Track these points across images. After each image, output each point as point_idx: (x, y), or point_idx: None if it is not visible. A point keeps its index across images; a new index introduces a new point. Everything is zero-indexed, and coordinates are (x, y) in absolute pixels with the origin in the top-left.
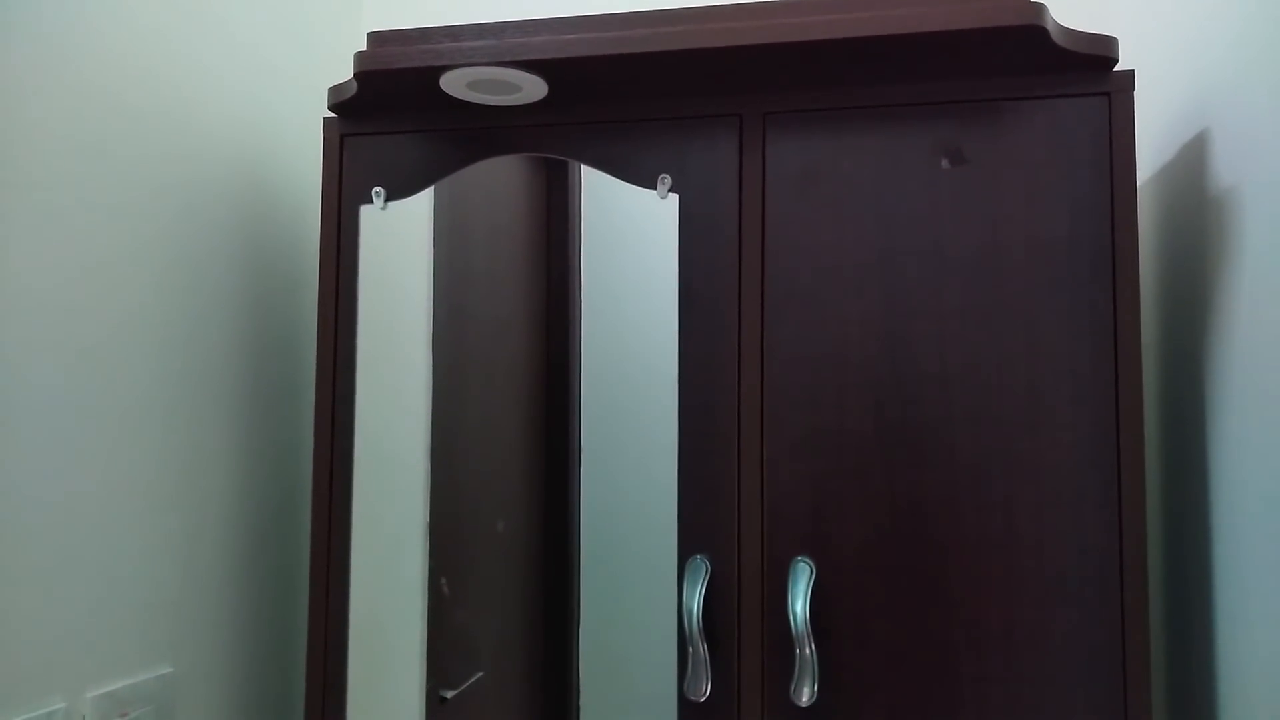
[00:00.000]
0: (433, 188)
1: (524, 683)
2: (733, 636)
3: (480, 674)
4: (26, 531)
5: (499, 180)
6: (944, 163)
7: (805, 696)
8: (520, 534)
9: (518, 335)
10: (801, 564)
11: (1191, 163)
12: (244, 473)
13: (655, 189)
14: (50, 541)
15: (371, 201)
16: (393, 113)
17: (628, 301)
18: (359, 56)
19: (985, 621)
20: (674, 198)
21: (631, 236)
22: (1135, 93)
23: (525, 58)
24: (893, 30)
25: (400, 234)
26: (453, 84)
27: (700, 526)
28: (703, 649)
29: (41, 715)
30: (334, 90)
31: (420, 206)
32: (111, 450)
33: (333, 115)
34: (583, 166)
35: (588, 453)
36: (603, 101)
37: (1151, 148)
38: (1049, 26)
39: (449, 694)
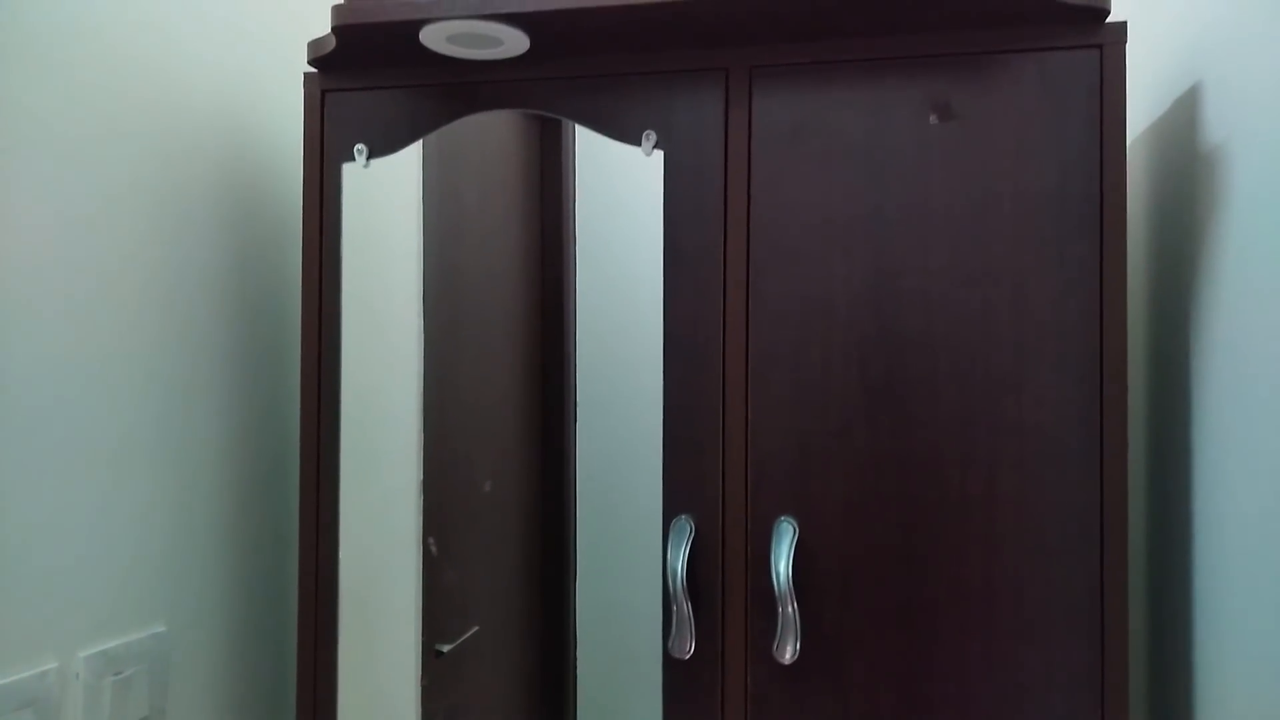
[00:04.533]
0: (421, 144)
1: (520, 639)
2: (716, 595)
3: (476, 628)
4: (17, 490)
5: (490, 136)
6: (932, 118)
7: (788, 654)
8: (515, 492)
9: (511, 293)
10: (785, 524)
11: (1184, 117)
12: (235, 430)
13: (640, 145)
14: (42, 500)
15: (354, 159)
16: (374, 67)
17: (622, 258)
18: (336, 10)
19: (966, 579)
20: (659, 154)
21: (626, 192)
22: (1128, 45)
23: (506, 10)
24: None
25: (388, 191)
26: (433, 38)
27: (685, 486)
28: (687, 608)
29: (34, 675)
30: (313, 45)
31: (409, 164)
32: (101, 409)
33: (313, 70)
34: (576, 124)
35: (583, 411)
36: (586, 55)
37: (1144, 102)
38: None
39: (445, 648)
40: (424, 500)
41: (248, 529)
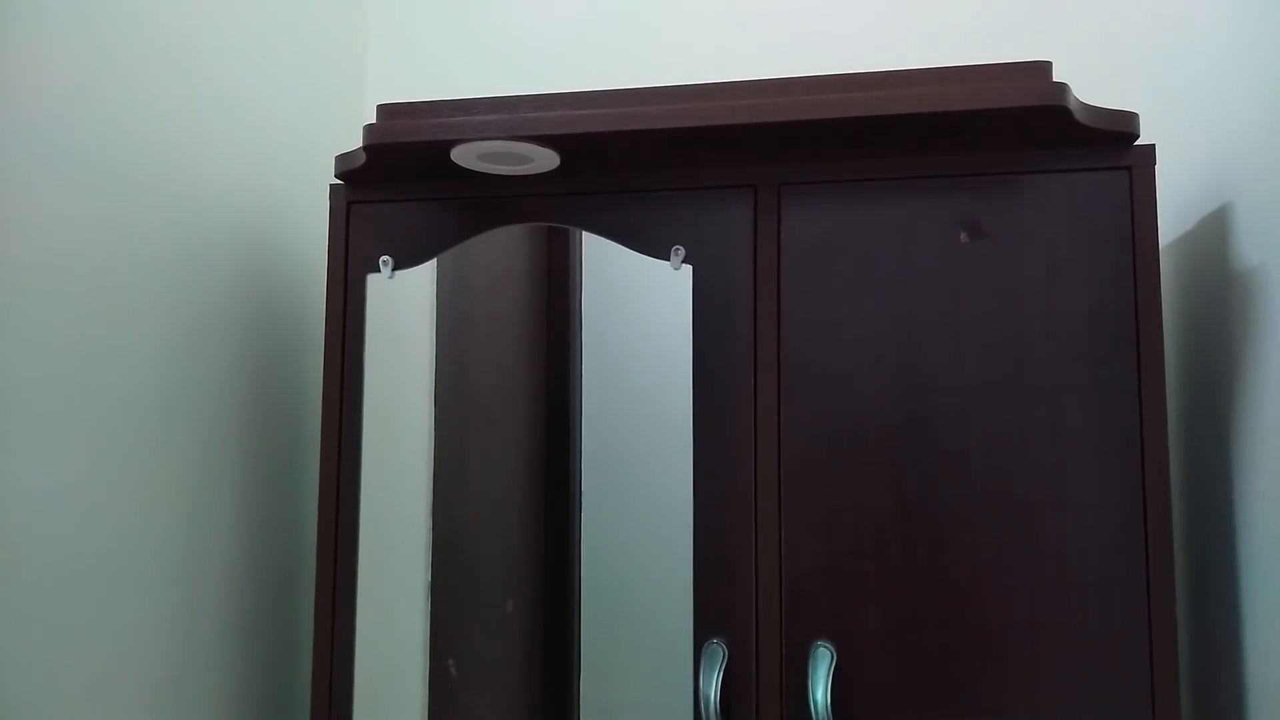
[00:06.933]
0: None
1: None
2: None
3: None
4: (25, 615)
5: (501, 244)
6: (962, 236)
7: None
8: (522, 606)
9: (520, 403)
10: (822, 649)
11: (1212, 235)
12: (246, 545)
13: (669, 260)
14: (48, 623)
15: (379, 270)
16: (401, 181)
17: (630, 369)
18: (368, 130)
19: (1012, 708)
20: (687, 269)
21: (633, 303)
22: (1157, 166)
23: (539, 132)
24: (912, 110)
25: (404, 302)
26: (464, 155)
27: (716, 609)
28: None
29: None
30: (341, 159)
31: (423, 274)
32: (110, 524)
33: (339, 182)
34: (583, 233)
35: (590, 523)
36: (615, 171)
37: (1171, 216)
38: (1071, 106)
39: None
40: (433, 615)
41: (258, 648)
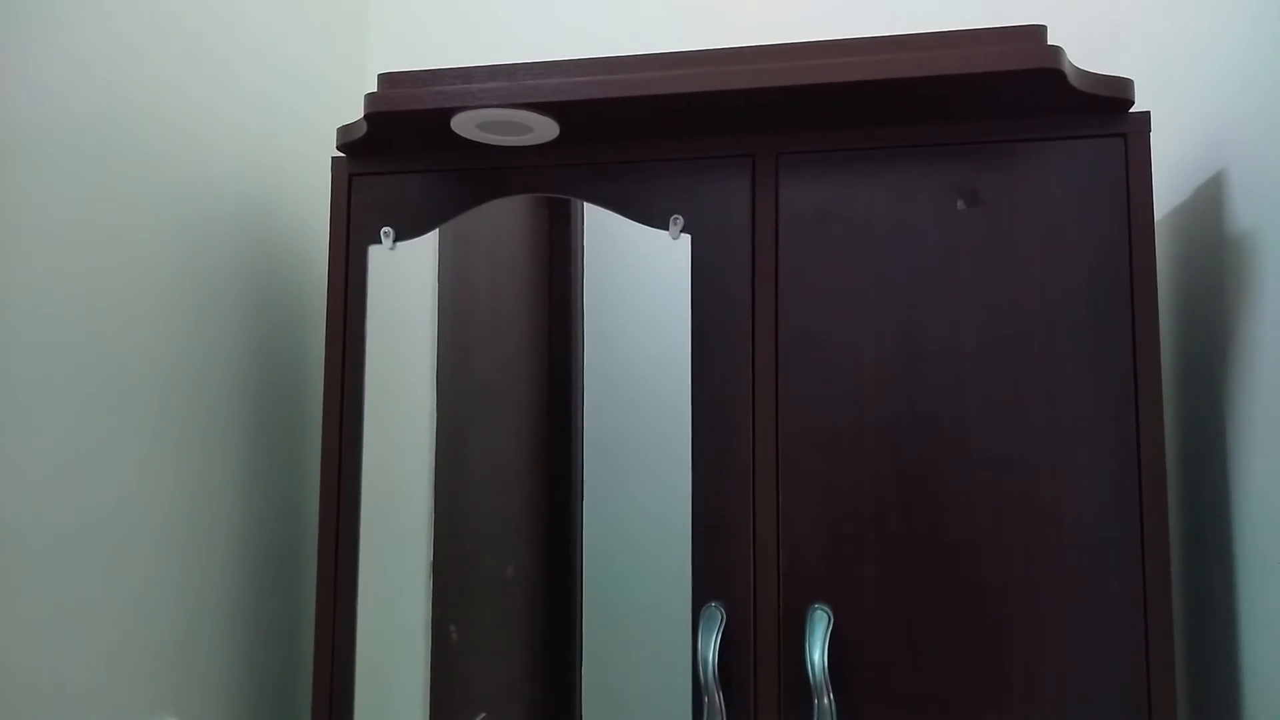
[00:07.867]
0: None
1: None
2: (749, 686)
3: (484, 715)
4: (28, 583)
5: (502, 217)
6: (959, 204)
7: None
8: (523, 574)
9: (522, 377)
10: (819, 611)
11: (1208, 203)
12: (248, 518)
13: (667, 229)
14: (52, 591)
15: (380, 241)
16: (401, 152)
17: (631, 339)
18: (369, 98)
19: (1008, 669)
20: (686, 238)
21: (634, 272)
22: (1151, 134)
23: (538, 99)
24: (908, 74)
25: (405, 273)
26: (463, 125)
27: (715, 573)
28: (718, 699)
29: None
30: (343, 130)
31: (425, 245)
32: (112, 498)
33: (341, 155)
34: (585, 204)
35: (591, 494)
36: (614, 141)
37: (1166, 186)
38: (1066, 70)
39: None
40: (435, 584)
41: (260, 618)
